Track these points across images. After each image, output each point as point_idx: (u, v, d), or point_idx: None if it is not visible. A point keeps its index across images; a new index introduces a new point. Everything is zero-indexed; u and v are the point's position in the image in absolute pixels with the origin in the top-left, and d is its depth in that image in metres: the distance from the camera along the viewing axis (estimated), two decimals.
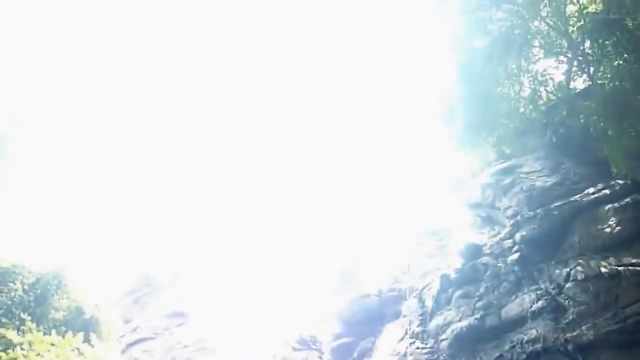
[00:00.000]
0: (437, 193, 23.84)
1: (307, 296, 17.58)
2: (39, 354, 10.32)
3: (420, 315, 11.08)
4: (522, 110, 14.87)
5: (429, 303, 11.07)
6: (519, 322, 8.52)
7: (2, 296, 12.93)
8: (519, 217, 11.43)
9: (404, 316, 11.63)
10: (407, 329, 11.11)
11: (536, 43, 14.53)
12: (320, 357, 11.80)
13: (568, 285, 8.45)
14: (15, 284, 13.30)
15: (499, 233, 12.01)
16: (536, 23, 14.26)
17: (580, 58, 14.00)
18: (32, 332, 11.79)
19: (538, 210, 10.76)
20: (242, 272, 21.24)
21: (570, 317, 7.87)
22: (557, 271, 8.87)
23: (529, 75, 14.96)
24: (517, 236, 10.60)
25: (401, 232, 17.99)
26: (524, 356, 7.99)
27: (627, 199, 9.41)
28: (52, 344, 11.10)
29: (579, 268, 8.51)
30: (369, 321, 12.42)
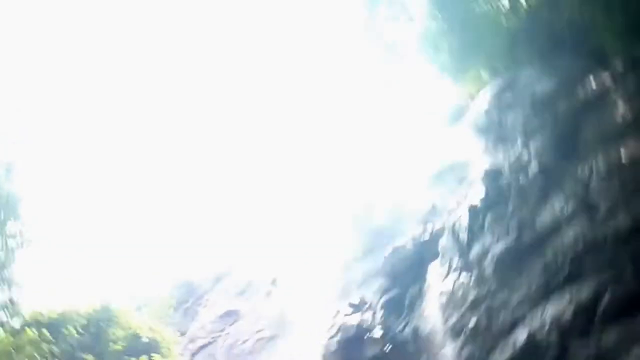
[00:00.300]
0: (441, 127, 23.64)
1: (341, 260, 17.75)
2: None
3: (458, 249, 11.15)
4: (505, 24, 14.57)
5: (463, 235, 11.11)
6: (555, 229, 8.51)
7: (60, 344, 13.34)
8: (527, 128, 11.33)
9: (443, 255, 11.72)
10: (448, 266, 11.20)
11: None
12: (373, 315, 12.02)
13: (593, 182, 8.41)
14: (68, 329, 13.71)
15: (512, 148, 11.93)
16: None
17: None
18: None
19: (546, 116, 10.64)
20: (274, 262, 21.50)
21: (604, 212, 7.86)
22: (579, 169, 8.81)
23: None
24: (532, 147, 10.52)
25: (417, 174, 17.96)
26: (568, 260, 8.02)
27: (630, 80, 9.24)
28: None
29: (599, 162, 8.44)
30: (411, 269, 12.57)
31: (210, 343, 19.42)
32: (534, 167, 9.73)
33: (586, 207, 8.18)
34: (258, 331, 18.09)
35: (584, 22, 11.91)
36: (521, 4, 15.45)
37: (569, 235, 8.12)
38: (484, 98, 16.87)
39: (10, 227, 15.25)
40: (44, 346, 12.83)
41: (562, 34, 13.05)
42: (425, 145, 20.50)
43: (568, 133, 9.43)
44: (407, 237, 13.95)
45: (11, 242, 15.06)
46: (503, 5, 15.65)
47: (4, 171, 15.62)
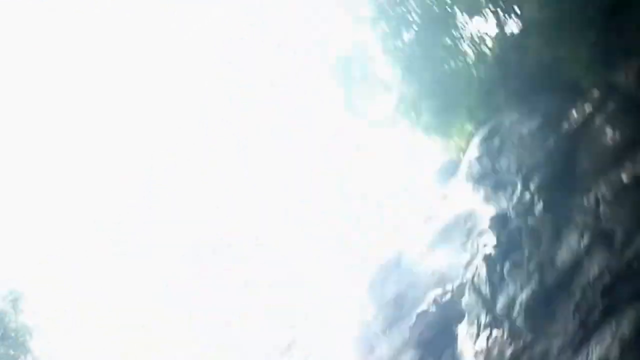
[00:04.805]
0: (437, 183, 23.71)
1: (364, 336, 17.02)
2: None
3: (483, 304, 10.72)
4: (476, 74, 15.13)
5: (485, 289, 10.75)
6: (576, 266, 8.26)
7: None
8: (524, 170, 11.36)
9: (469, 313, 11.25)
10: (477, 324, 10.72)
11: (457, 9, 15.00)
12: None
13: (602, 210, 8.30)
14: None
15: (513, 192, 11.88)
16: None
17: (502, 5, 14.44)
18: None
19: (538, 154, 10.72)
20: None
21: (621, 238, 7.68)
22: (585, 199, 8.73)
23: (466, 41, 15.35)
24: (532, 187, 10.48)
25: (425, 233, 17.74)
26: (599, 295, 7.70)
27: (611, 106, 9.43)
28: None
29: (603, 189, 8.39)
30: (439, 334, 12.01)
31: None
32: (539, 207, 9.63)
33: (602, 236, 8.01)
34: None
35: (552, 59, 12.38)
36: (485, 53, 16.17)
37: (593, 269, 7.87)
38: (474, 148, 17.11)
39: None
40: None
41: (533, 74, 13.53)
42: (425, 204, 20.47)
43: (565, 166, 9.45)
44: (428, 301, 13.48)
45: None
46: (470, 58, 16.35)
47: (10, 303, 15.27)
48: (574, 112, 10.05)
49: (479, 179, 17.14)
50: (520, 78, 13.46)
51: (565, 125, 10.09)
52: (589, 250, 8.13)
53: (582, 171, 8.93)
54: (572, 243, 8.45)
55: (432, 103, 15.40)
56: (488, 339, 9.86)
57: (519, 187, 10.84)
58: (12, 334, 14.68)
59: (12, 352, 14.54)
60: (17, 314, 15.18)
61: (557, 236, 8.85)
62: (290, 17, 20.22)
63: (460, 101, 15.12)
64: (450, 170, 22.15)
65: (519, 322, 9.17)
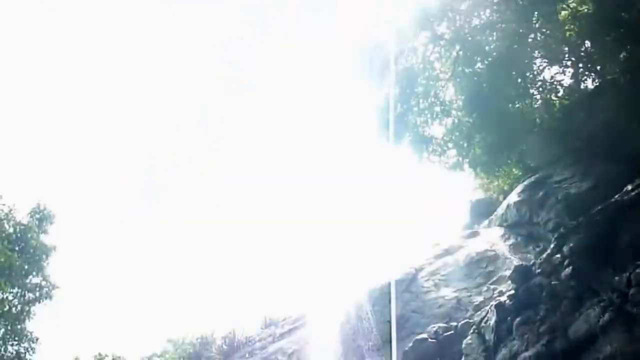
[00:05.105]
0: (471, 221, 23.27)
1: (360, 348, 16.93)
2: None
3: (483, 351, 10.50)
4: (538, 121, 14.76)
5: (490, 336, 10.52)
6: (589, 340, 7.97)
7: None
8: (562, 229, 11.01)
9: (467, 355, 11.03)
10: None
11: (537, 54, 14.65)
12: None
13: (632, 291, 7.96)
14: None
15: (545, 249, 11.54)
16: (532, 36, 14.42)
17: (584, 59, 14.00)
18: None
19: (580, 219, 10.36)
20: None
21: None
22: (617, 278, 8.39)
23: (538, 86, 14.99)
24: (565, 249, 10.13)
25: (444, 265, 17.47)
26: None
27: None
28: None
29: (637, 273, 8.05)
30: None
31: None
32: (567, 271, 9.32)
33: (624, 318, 7.69)
34: None
35: (620, 126, 11.94)
36: (554, 103, 15.74)
37: (606, 349, 7.58)
38: (516, 194, 16.71)
39: (32, 280, 15.33)
40: None
41: (596, 136, 13.08)
42: (451, 236, 20.14)
43: (604, 239, 9.10)
44: (429, 331, 13.28)
45: (29, 296, 15.06)
46: (536, 103, 15.96)
47: (37, 221, 15.91)
48: (629, 186, 9.65)
49: (512, 226, 16.76)
50: (583, 137, 13.06)
51: (617, 197, 9.70)
52: (606, 328, 7.82)
53: (622, 249, 8.58)
54: (591, 316, 8.14)
55: (487, 138, 15.13)
56: None
57: (552, 245, 10.51)
58: (31, 250, 15.34)
59: (26, 267, 15.21)
60: (40, 232, 15.84)
61: (578, 306, 8.55)
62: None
63: (515, 144, 14.81)
64: (485, 209, 21.75)
65: None
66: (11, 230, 15.30)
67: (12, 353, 14.35)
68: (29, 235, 15.36)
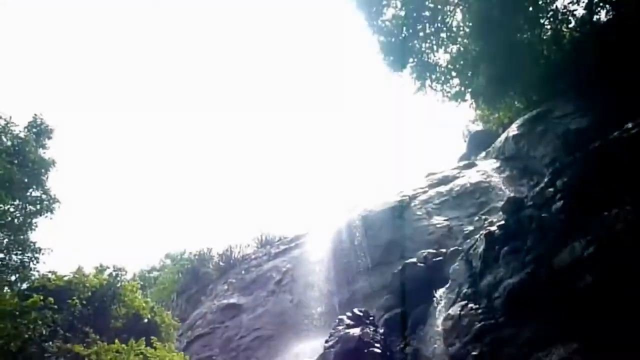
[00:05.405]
0: (468, 152, 23.36)
1: (350, 269, 17.63)
2: None
3: (470, 276, 10.97)
4: (546, 53, 14.37)
5: (477, 263, 10.94)
6: (573, 271, 8.30)
7: (63, 313, 13.50)
8: (557, 164, 11.11)
9: (453, 280, 11.56)
10: (457, 292, 11.03)
11: None
12: (375, 330, 11.87)
13: (619, 227, 8.18)
14: (73, 300, 13.87)
15: (538, 183, 11.72)
16: None
17: None
18: (96, 343, 12.32)
19: (577, 154, 10.41)
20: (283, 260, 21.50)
21: (626, 260, 7.64)
22: (606, 214, 8.58)
23: (549, 15, 14.43)
24: (559, 183, 10.28)
25: (437, 194, 17.77)
26: (583, 305, 7.82)
27: None
28: (117, 352, 11.58)
29: (627, 210, 8.22)
30: (419, 289, 12.39)
31: (208, 333, 19.48)
32: (558, 205, 9.52)
33: (609, 251, 7.96)
34: (257, 329, 18.07)
35: (628, 62, 11.66)
36: (564, 34, 15.23)
37: (588, 279, 7.92)
38: (515, 127, 16.67)
39: (32, 193, 15.52)
40: (48, 313, 12.98)
41: (605, 71, 12.80)
42: (447, 166, 20.32)
43: (599, 175, 9.20)
44: (419, 256, 13.79)
45: (30, 208, 15.33)
46: (546, 35, 15.44)
47: (34, 135, 15.82)
48: (629, 124, 9.60)
49: (509, 159, 16.90)
50: (590, 71, 12.78)
51: (615, 134, 9.69)
52: (590, 260, 8.12)
53: (615, 186, 8.69)
54: (577, 249, 8.42)
55: (492, 68, 14.80)
56: (462, 308, 10.17)
57: (546, 179, 10.65)
58: (29, 164, 15.38)
59: (25, 180, 15.33)
60: (38, 146, 15.80)
61: (565, 238, 8.81)
62: None
63: (520, 76, 14.51)
64: (483, 141, 21.79)
65: (497, 303, 9.41)
66: (9, 143, 15.25)
67: (16, 261, 14.83)
68: (27, 149, 15.33)
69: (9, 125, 15.33)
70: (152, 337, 13.23)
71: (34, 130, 15.92)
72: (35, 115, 16.10)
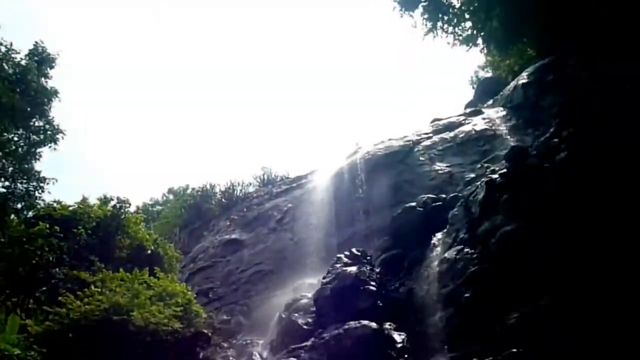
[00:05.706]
0: (475, 99, 23.00)
1: (351, 210, 17.87)
2: (111, 290, 11.20)
3: (467, 222, 11.13)
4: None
5: (475, 209, 11.07)
6: (571, 221, 8.43)
7: (69, 241, 13.85)
8: (564, 114, 11.01)
9: (451, 225, 11.74)
10: (454, 237, 11.24)
11: None
12: (371, 269, 12.23)
13: (618, 180, 8.23)
14: (78, 229, 14.18)
15: (544, 133, 11.65)
16: None
17: None
18: (102, 271, 12.73)
19: (584, 108, 10.31)
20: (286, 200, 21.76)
21: (625, 210, 7.74)
22: (607, 166, 8.61)
23: None
24: (564, 134, 10.25)
25: (441, 141, 17.71)
26: (581, 256, 8.01)
27: None
28: (122, 280, 11.98)
29: (628, 163, 8.24)
30: (416, 233, 12.62)
31: (210, 266, 20.10)
32: (561, 155, 9.52)
33: (608, 205, 8.06)
34: (257, 264, 18.61)
35: None
36: None
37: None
38: (525, 75, 16.33)
39: (35, 123, 15.47)
40: (54, 241, 13.34)
41: (628, 21, 12.34)
42: (454, 113, 20.10)
43: (604, 129, 9.14)
44: (419, 200, 13.94)
45: (34, 138, 15.34)
46: None
47: (35, 63, 15.54)
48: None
49: (515, 108, 16.67)
50: (610, 21, 12.33)
51: (630, 89, 9.52)
52: (589, 213, 8.23)
53: (619, 140, 8.66)
54: (576, 199, 8.51)
55: (506, 12, 14.28)
56: (458, 252, 10.42)
57: (552, 130, 10.59)
58: (32, 93, 15.22)
59: (28, 109, 15.24)
60: (40, 75, 15.56)
61: (565, 188, 8.90)
62: None
63: (535, 22, 14.01)
64: (492, 88, 21.41)
65: (493, 248, 9.61)
66: (10, 71, 15.01)
67: (21, 190, 15.02)
68: (29, 77, 15.11)
69: (10, 52, 15.02)
70: (156, 268, 13.66)
71: (36, 58, 15.62)
72: (37, 42, 15.74)
